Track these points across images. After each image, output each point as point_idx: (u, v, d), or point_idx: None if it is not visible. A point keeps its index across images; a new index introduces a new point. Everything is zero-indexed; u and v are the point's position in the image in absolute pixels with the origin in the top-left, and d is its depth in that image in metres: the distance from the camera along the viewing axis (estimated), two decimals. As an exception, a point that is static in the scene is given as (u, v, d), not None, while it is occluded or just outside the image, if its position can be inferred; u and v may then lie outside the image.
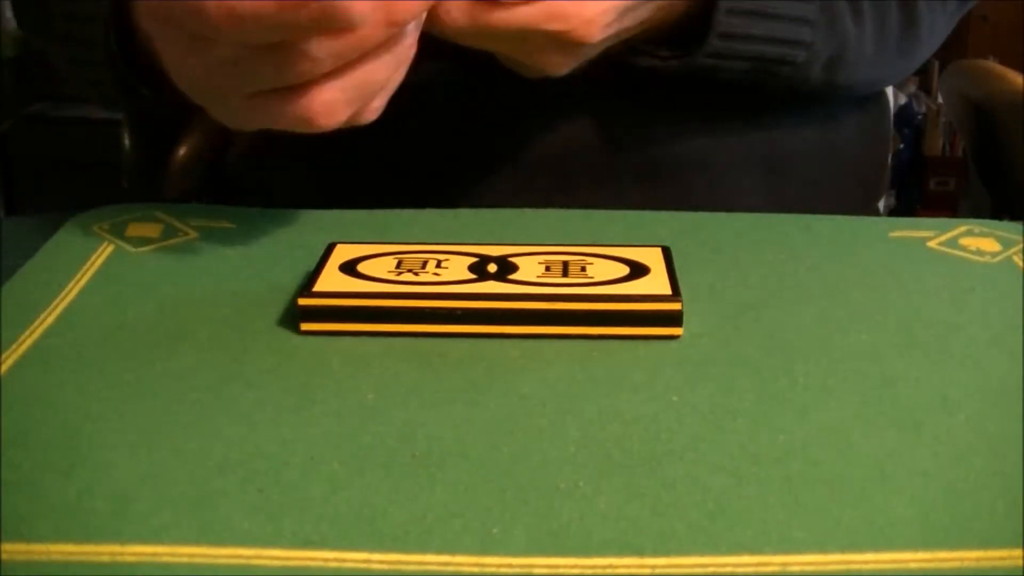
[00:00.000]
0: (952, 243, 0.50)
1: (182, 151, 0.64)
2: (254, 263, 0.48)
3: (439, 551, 0.29)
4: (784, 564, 0.28)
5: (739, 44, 0.52)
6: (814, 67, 0.56)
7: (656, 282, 0.42)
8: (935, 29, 0.60)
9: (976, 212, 0.73)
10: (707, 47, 0.52)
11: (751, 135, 0.60)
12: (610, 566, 0.28)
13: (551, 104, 0.57)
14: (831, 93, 0.60)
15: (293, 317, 0.41)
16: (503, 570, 0.28)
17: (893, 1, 0.57)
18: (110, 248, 0.49)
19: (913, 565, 0.28)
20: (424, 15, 0.43)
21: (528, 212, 0.53)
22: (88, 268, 0.46)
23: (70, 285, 0.45)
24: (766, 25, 0.52)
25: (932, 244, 0.50)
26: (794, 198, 0.61)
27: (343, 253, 0.44)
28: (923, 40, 0.60)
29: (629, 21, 0.49)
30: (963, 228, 0.52)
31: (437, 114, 0.58)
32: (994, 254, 0.49)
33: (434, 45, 0.45)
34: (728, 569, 0.28)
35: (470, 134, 0.58)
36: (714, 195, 0.60)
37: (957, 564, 0.28)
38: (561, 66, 0.49)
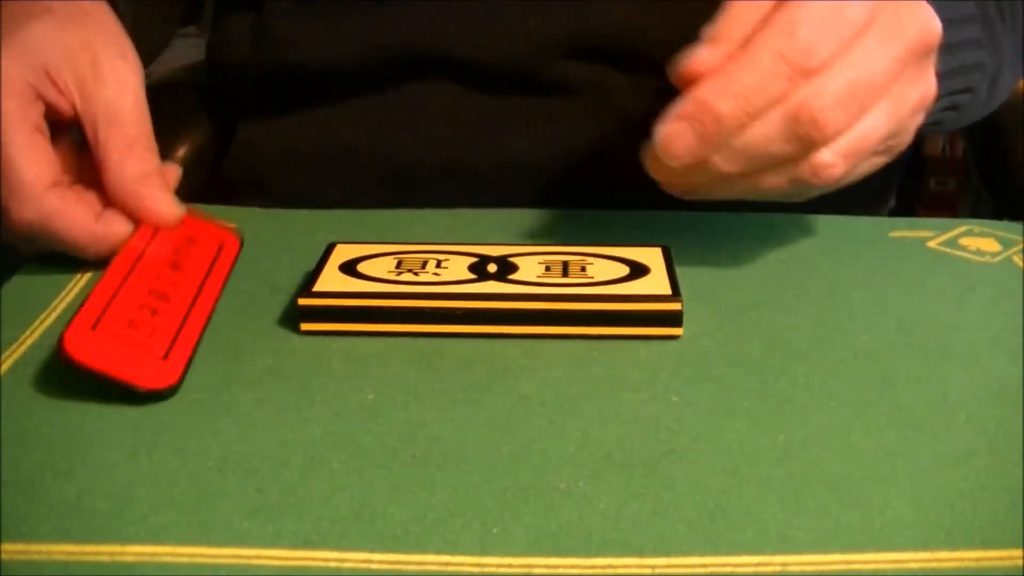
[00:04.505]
0: (952, 243, 0.50)
1: (182, 151, 0.64)
2: (254, 263, 0.48)
3: (439, 551, 0.29)
4: (784, 564, 0.28)
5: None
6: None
7: (656, 282, 0.42)
8: None
9: (976, 212, 0.72)
10: None
11: None
12: (610, 566, 0.28)
13: (551, 104, 0.57)
14: None
15: (293, 317, 0.41)
16: (503, 570, 0.28)
17: None
18: (110, 248, 0.49)
19: (913, 565, 0.28)
20: None
21: (528, 212, 0.53)
22: (88, 268, 0.46)
23: (70, 285, 0.45)
24: None
25: (932, 244, 0.50)
26: (800, 204, 0.61)
27: (343, 253, 0.44)
28: None
29: None
30: (963, 228, 0.52)
31: (438, 116, 0.58)
32: (994, 254, 0.49)
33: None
34: (728, 569, 0.28)
35: (469, 135, 0.58)
36: None
37: (957, 564, 0.28)
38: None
